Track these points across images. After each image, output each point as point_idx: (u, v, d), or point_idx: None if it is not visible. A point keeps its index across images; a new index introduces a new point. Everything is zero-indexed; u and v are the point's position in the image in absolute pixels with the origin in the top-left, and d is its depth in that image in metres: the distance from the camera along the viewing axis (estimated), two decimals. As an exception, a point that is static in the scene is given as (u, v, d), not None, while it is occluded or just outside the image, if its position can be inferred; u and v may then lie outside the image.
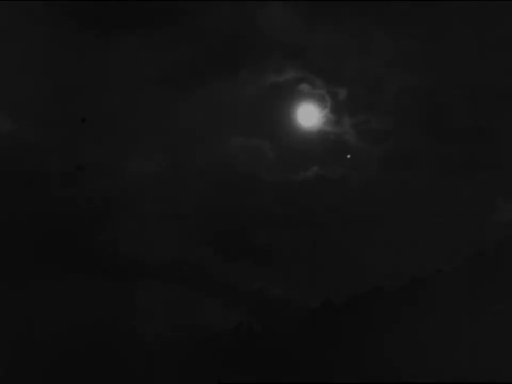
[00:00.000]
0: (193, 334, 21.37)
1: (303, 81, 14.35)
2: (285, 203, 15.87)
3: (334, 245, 16.44)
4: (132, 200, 15.54)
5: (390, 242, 15.93)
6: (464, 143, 19.67)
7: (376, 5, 15.79)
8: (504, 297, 21.21)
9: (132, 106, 16.07)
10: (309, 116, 18.09)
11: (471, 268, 24.12)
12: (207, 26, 15.27)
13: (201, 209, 15.55)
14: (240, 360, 18.96)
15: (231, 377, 19.80)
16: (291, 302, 21.03)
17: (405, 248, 15.37)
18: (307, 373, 20.71)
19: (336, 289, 20.55)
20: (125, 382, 18.17)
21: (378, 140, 14.33)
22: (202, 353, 19.25)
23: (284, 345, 19.06)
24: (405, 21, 14.49)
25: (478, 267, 24.13)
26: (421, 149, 15.73)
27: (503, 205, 18.22)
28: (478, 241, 16.62)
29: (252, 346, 17.25)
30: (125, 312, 18.12)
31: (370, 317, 20.37)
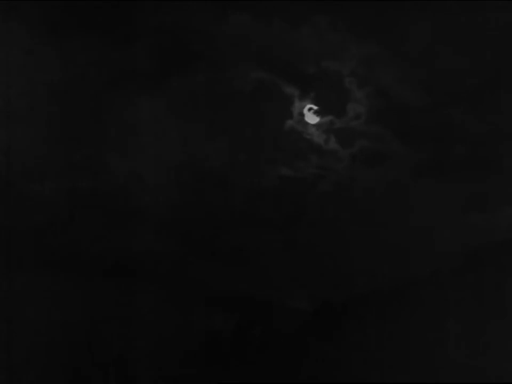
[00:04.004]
0: (187, 335, 20.42)
1: (269, 82, 13.09)
2: (257, 204, 13.81)
3: (313, 245, 14.69)
4: (104, 199, 13.72)
5: (382, 242, 14.65)
6: (443, 142, 17.83)
7: (343, 5, 13.80)
8: (504, 298, 20.67)
9: (91, 109, 13.81)
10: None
11: (471, 268, 23.68)
12: (163, 26, 13.35)
13: (172, 210, 13.46)
14: (240, 361, 18.63)
15: (230, 377, 19.27)
16: (280, 304, 19.51)
17: (401, 248, 14.59)
18: (307, 373, 20.38)
19: (329, 291, 19.31)
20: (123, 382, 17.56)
21: (347, 140, 13.39)
22: (201, 354, 18.77)
23: (283, 347, 18.74)
24: (373, 22, 13.32)
25: (478, 267, 23.72)
26: (393, 149, 14.46)
27: (495, 207, 17.33)
28: (476, 241, 16.14)
29: (251, 348, 16.90)
30: (106, 314, 16.67)
31: (370, 318, 20.17)
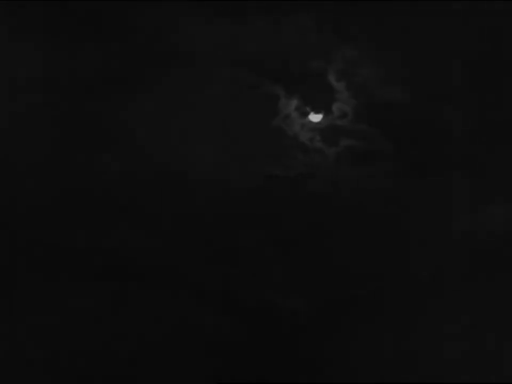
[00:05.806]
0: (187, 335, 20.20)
1: (254, 82, 12.74)
2: (244, 204, 13.17)
3: (303, 245, 14.26)
4: (95, 199, 13.28)
5: (380, 242, 14.31)
6: (428, 141, 17.35)
7: (329, 5, 13.23)
8: (503, 297, 20.74)
9: (80, 108, 13.07)
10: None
11: (470, 268, 23.67)
12: (146, 27, 12.58)
13: (159, 210, 12.98)
14: (239, 360, 18.63)
15: (230, 377, 19.25)
16: (276, 304, 19.08)
17: (399, 248, 14.40)
18: (306, 373, 20.31)
19: (324, 291, 18.84)
20: (122, 381, 17.41)
21: (333, 139, 13.04)
22: (201, 354, 18.80)
23: (281, 347, 18.76)
24: (359, 22, 13.03)
25: (478, 267, 23.68)
26: (379, 148, 14.05)
27: (482, 207, 16.71)
28: (473, 241, 15.95)
29: (248, 348, 16.85)
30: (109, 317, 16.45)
31: (369, 317, 20.20)
